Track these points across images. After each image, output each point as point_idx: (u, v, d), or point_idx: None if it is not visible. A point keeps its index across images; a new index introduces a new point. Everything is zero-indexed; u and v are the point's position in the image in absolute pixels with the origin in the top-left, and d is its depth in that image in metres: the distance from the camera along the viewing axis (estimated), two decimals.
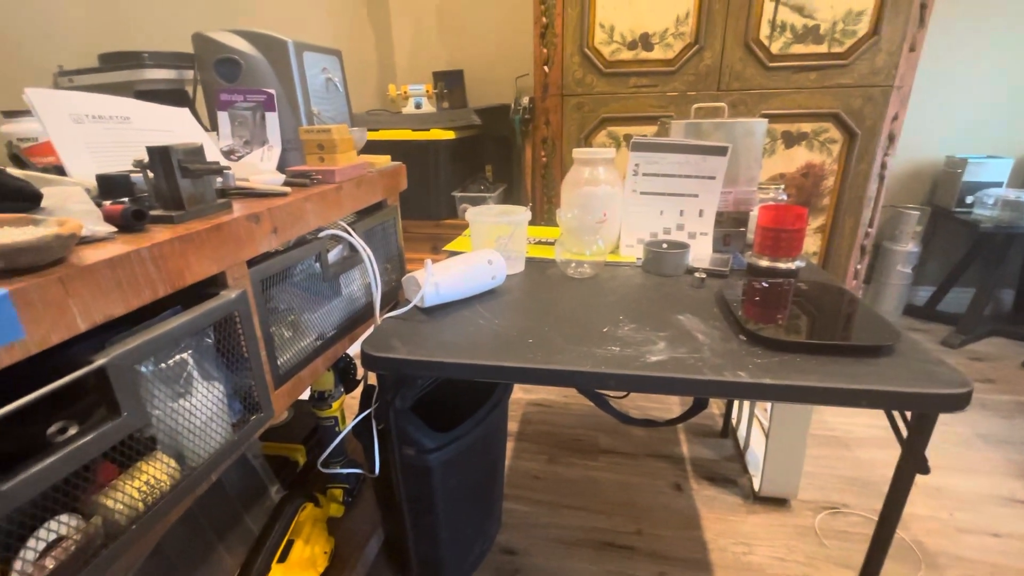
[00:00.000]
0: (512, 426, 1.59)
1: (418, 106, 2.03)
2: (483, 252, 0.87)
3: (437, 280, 0.80)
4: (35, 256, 0.39)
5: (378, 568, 1.09)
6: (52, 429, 0.42)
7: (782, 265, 0.93)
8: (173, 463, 0.50)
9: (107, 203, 0.54)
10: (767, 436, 1.22)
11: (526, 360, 0.67)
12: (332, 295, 0.84)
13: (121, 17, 1.16)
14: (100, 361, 0.41)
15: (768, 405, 1.30)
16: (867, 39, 1.48)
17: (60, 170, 0.62)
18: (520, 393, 1.77)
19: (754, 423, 1.41)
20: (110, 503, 0.43)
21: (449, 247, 1.15)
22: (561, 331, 0.75)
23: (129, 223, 0.50)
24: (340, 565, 0.95)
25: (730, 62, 1.56)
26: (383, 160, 1.02)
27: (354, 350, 0.96)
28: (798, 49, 1.52)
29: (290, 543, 0.85)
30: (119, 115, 0.65)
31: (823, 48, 1.51)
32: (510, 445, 1.50)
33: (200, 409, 0.53)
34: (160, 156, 0.54)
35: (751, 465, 1.37)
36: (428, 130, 1.88)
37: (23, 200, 0.49)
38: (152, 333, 0.46)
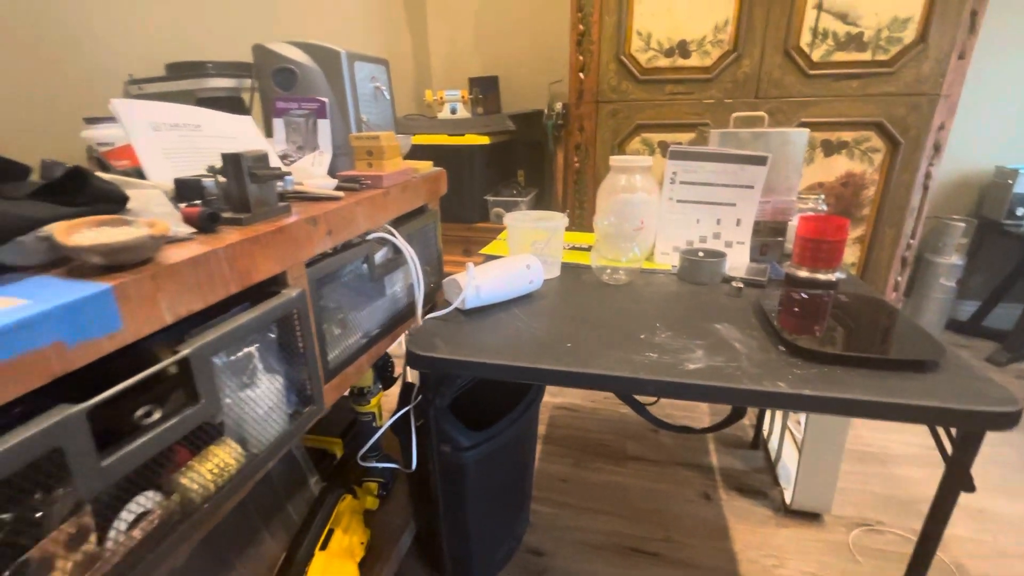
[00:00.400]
0: (540, 429, 1.61)
1: (453, 111, 2.07)
2: (522, 257, 0.90)
3: (478, 283, 0.83)
4: (132, 254, 0.43)
5: (410, 561, 1.12)
6: (139, 412, 0.46)
7: (821, 276, 0.92)
8: (239, 448, 0.53)
9: (182, 205, 0.59)
10: (801, 449, 1.21)
11: (565, 364, 0.69)
12: (377, 295, 0.88)
13: (183, 28, 1.23)
14: (184, 352, 0.45)
15: (801, 418, 1.28)
16: (913, 47, 1.45)
17: (137, 173, 0.67)
18: (547, 396, 1.79)
19: (786, 435, 1.39)
20: (186, 482, 0.47)
21: (485, 251, 1.18)
22: (598, 336, 0.77)
23: (205, 225, 0.54)
24: (375, 556, 0.99)
25: (769, 70, 1.55)
26: (426, 165, 1.05)
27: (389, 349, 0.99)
28: (840, 57, 1.50)
29: (330, 532, 0.89)
30: (191, 123, 0.70)
31: (866, 56, 1.48)
32: (538, 447, 1.52)
33: (263, 399, 0.56)
34: (232, 162, 0.58)
35: (783, 478, 1.35)
36: (463, 135, 1.92)
37: (112, 202, 0.53)
38: (227, 327, 0.50)
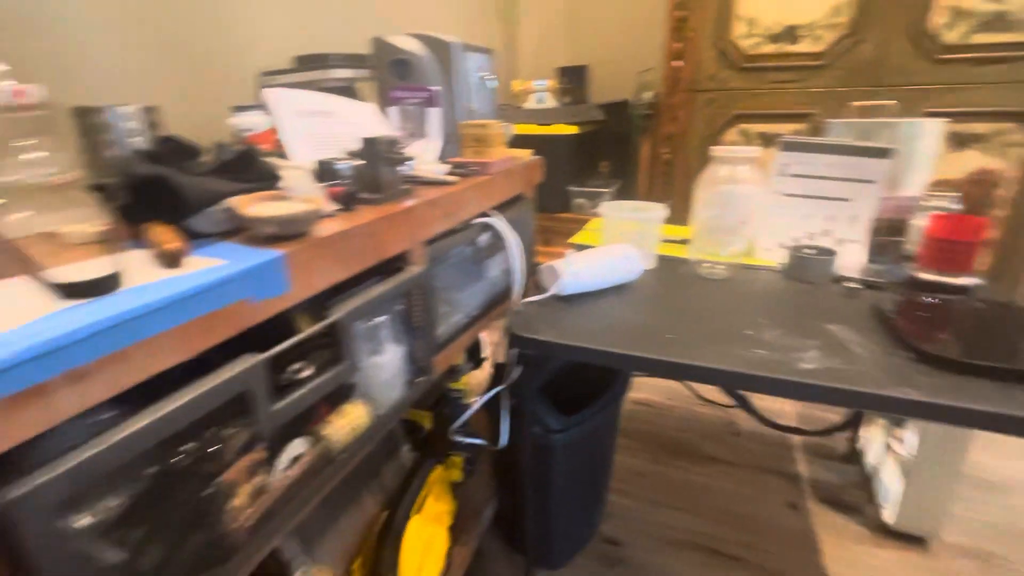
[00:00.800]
0: None
1: (540, 101, 2.08)
2: (621, 246, 0.90)
3: (578, 270, 0.84)
4: (298, 226, 0.49)
5: (489, 537, 1.17)
6: (293, 367, 0.51)
7: (952, 281, 0.85)
8: (368, 409, 0.58)
9: (321, 185, 0.64)
10: (908, 465, 1.12)
11: (670, 354, 0.68)
12: (477, 278, 0.91)
13: (304, 24, 1.33)
14: (335, 316, 0.50)
15: (906, 433, 1.18)
16: None
17: (279, 155, 0.74)
18: None
19: (888, 450, 1.29)
20: (328, 433, 0.53)
21: (575, 240, 1.19)
22: (700, 329, 0.76)
23: (347, 203, 0.59)
24: (460, 527, 1.04)
25: (891, 54, 1.42)
26: (525, 154, 1.07)
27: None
28: (980, 38, 1.34)
29: (423, 498, 0.95)
30: (326, 110, 0.76)
31: (1015, 37, 1.31)
32: None
33: (387, 366, 0.61)
34: (370, 146, 0.63)
35: (881, 495, 1.26)
36: (549, 125, 1.93)
37: (271, 180, 0.59)
38: (367, 297, 0.54)
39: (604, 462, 1.14)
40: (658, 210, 1.00)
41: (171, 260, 0.41)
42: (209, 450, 0.41)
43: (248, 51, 1.18)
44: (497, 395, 0.94)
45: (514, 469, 1.01)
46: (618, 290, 0.90)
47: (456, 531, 1.01)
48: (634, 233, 1.00)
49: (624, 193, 2.31)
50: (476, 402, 0.97)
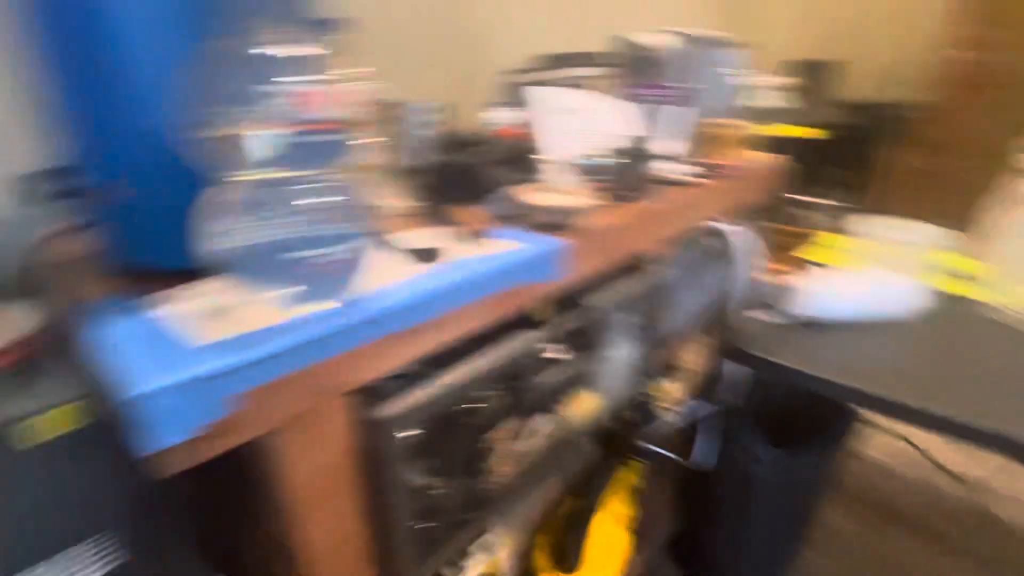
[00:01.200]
0: None
1: (767, 99, 1.89)
2: (886, 274, 0.77)
3: (829, 292, 0.74)
4: (573, 218, 0.52)
5: (663, 554, 1.12)
6: (545, 346, 0.55)
7: None
8: (596, 398, 0.60)
9: (577, 179, 0.67)
10: None
11: (946, 408, 0.56)
12: (697, 286, 0.87)
13: (538, 26, 1.42)
14: (598, 305, 0.52)
15: None
16: None
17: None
18: None
19: None
20: (568, 415, 0.55)
21: (805, 255, 1.05)
22: (993, 385, 0.61)
23: (605, 199, 0.61)
24: (640, 533, 1.01)
25: None
26: (767, 158, 0.98)
27: None
28: None
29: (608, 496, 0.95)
30: (578, 107, 0.79)
31: None
32: None
33: (619, 360, 0.62)
34: (629, 145, 0.63)
35: None
36: (774, 125, 1.74)
37: (534, 172, 0.64)
38: (621, 292, 0.56)
39: (807, 511, 1.01)
40: (936, 233, 0.83)
41: (477, 238, 0.47)
42: (485, 407, 0.46)
43: (492, 52, 1.31)
44: (696, 408, 0.89)
45: (705, 491, 0.95)
46: (880, 323, 0.77)
47: (637, 538, 0.99)
48: (895, 258, 0.84)
49: (857, 206, 1.98)
50: (675, 412, 0.94)
